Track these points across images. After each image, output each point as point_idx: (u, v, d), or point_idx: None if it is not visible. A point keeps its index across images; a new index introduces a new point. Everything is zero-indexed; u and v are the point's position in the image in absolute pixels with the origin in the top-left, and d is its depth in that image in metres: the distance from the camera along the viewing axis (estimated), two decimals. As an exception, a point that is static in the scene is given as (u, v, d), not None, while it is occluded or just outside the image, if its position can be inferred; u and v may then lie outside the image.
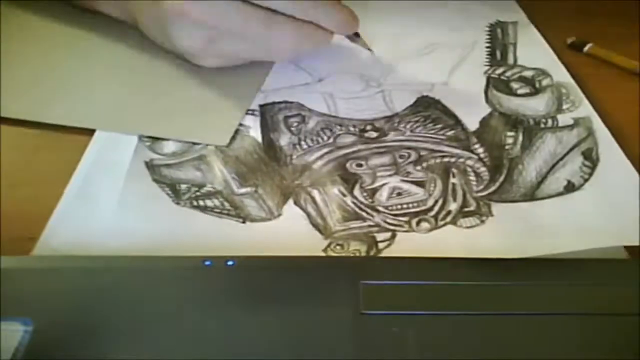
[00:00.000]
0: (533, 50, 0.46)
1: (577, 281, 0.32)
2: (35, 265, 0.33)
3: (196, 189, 0.38)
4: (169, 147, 0.40)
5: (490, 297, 0.31)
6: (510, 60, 0.46)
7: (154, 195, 0.37)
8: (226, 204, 0.37)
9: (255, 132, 0.42)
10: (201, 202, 0.37)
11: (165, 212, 0.36)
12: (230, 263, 0.32)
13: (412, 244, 0.35)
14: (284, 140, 0.41)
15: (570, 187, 0.37)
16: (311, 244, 0.35)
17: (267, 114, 0.43)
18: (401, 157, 0.39)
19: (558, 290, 0.31)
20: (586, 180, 0.37)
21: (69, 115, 0.41)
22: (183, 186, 0.38)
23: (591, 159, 0.38)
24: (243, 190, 0.38)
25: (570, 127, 0.40)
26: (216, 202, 0.37)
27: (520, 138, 0.40)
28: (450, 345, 0.29)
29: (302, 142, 0.41)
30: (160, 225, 0.36)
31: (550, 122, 0.41)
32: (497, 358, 0.28)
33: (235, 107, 0.43)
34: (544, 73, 0.45)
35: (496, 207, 0.36)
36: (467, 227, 0.36)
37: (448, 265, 0.33)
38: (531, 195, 0.37)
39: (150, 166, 0.39)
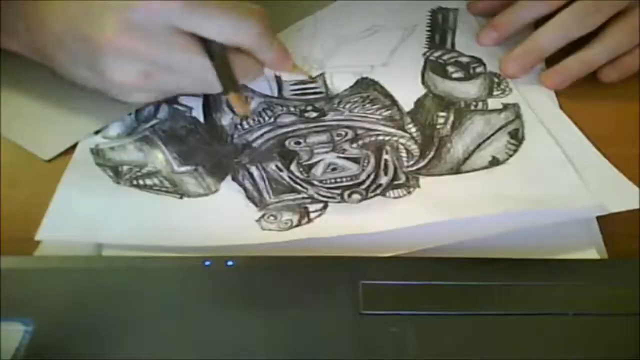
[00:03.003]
0: (471, 40, 0.51)
1: (575, 281, 0.34)
2: (35, 266, 0.35)
3: (137, 169, 0.42)
4: (114, 129, 0.45)
5: (490, 297, 0.33)
6: (448, 45, 0.51)
7: (95, 176, 0.42)
8: (165, 182, 0.42)
9: (197, 112, 0.46)
10: (140, 182, 0.42)
11: (104, 191, 0.41)
12: (230, 263, 0.35)
13: (342, 213, 0.40)
14: (226, 120, 0.46)
15: (494, 162, 0.42)
16: (245, 216, 0.40)
17: (210, 95, 0.47)
18: (338, 135, 0.44)
19: (557, 290, 0.34)
20: (510, 155, 0.42)
21: None
22: (125, 167, 0.42)
23: (517, 137, 0.43)
24: (183, 168, 0.42)
25: (499, 110, 0.45)
26: (155, 180, 0.42)
27: (451, 118, 0.45)
28: (450, 345, 0.31)
29: (244, 122, 0.45)
30: (100, 203, 0.40)
31: (480, 105, 0.46)
32: (496, 358, 0.31)
33: (77, 129, 0.45)
34: (479, 61, 0.49)
35: (423, 180, 0.41)
36: (395, 198, 0.40)
37: (447, 266, 0.35)
38: (457, 170, 0.42)
39: (95, 151, 0.44)
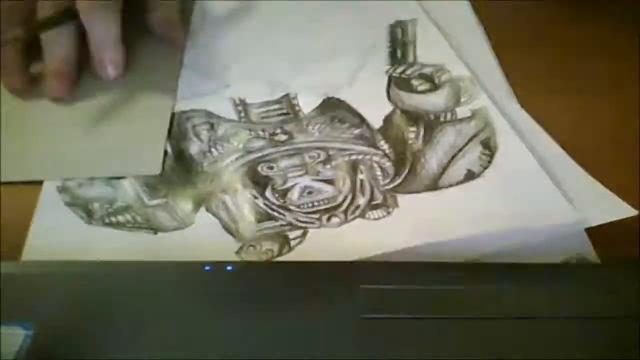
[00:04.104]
0: (432, 48, 0.52)
1: (574, 285, 0.35)
2: (35, 270, 0.35)
3: (108, 205, 0.42)
4: None
5: (489, 301, 0.34)
6: (410, 59, 0.51)
7: (66, 219, 0.41)
8: (138, 218, 0.41)
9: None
10: (113, 219, 0.41)
11: (78, 234, 0.40)
12: (229, 268, 0.35)
13: (323, 238, 0.40)
14: (194, 148, 0.45)
15: (470, 175, 0.43)
16: (224, 248, 0.39)
17: (175, 124, 0.47)
18: (310, 157, 0.44)
19: (557, 293, 0.34)
20: (485, 168, 0.43)
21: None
22: (95, 205, 0.42)
23: (489, 147, 0.44)
24: (154, 202, 0.42)
25: (468, 118, 0.46)
26: (128, 217, 0.41)
27: (422, 132, 0.45)
28: (449, 350, 0.32)
29: (213, 150, 0.45)
30: (74, 247, 0.40)
31: (449, 115, 0.47)
32: None
33: (155, 132, 0.46)
34: (442, 69, 0.50)
35: (401, 199, 0.42)
36: (375, 219, 0.41)
37: (447, 270, 0.36)
38: (434, 186, 0.42)
39: (63, 189, 0.43)
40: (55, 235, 0.40)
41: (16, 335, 0.31)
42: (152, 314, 0.33)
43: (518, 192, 0.42)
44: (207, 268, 0.35)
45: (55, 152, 0.45)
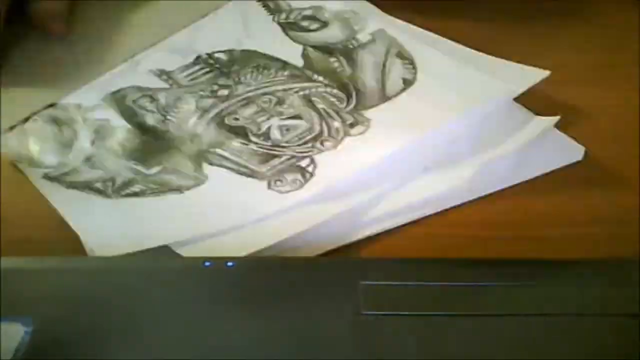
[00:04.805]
0: None
1: (575, 282, 0.35)
2: (35, 266, 0.34)
3: (110, 183, 0.40)
4: (49, 159, 0.42)
5: (491, 298, 0.34)
6: (285, 6, 0.55)
7: (80, 198, 0.38)
8: (151, 185, 0.40)
9: (118, 121, 0.44)
10: (128, 191, 0.39)
11: (102, 208, 0.38)
12: (230, 264, 0.34)
13: (330, 160, 0.42)
14: (151, 120, 0.44)
15: (407, 83, 0.48)
16: (253, 188, 0.40)
17: (115, 104, 0.45)
18: (264, 102, 0.45)
19: (557, 291, 0.35)
20: (415, 73, 0.48)
21: None
22: (98, 184, 0.40)
23: (405, 57, 0.49)
24: (153, 170, 0.41)
25: (372, 41, 0.51)
26: (140, 187, 0.40)
27: (343, 60, 0.49)
28: (450, 346, 0.32)
29: (168, 117, 0.44)
30: (105, 220, 0.38)
31: (354, 42, 0.51)
32: (496, 358, 0.31)
33: None
34: (320, 8, 0.54)
35: (367, 113, 0.45)
36: (360, 134, 0.44)
37: (448, 266, 0.36)
38: (385, 98, 0.47)
39: (50, 179, 0.40)
40: (89, 214, 0.38)
41: (16, 332, 0.30)
42: (152, 309, 0.32)
43: (452, 86, 0.47)
44: (206, 264, 0.34)
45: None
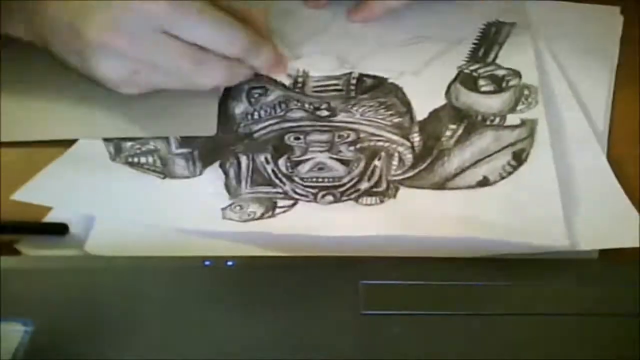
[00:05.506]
0: (516, 51, 0.49)
1: (576, 282, 0.35)
2: (35, 266, 0.36)
3: (138, 146, 0.45)
4: None
5: (489, 298, 0.34)
6: (490, 58, 0.49)
7: (94, 153, 0.45)
8: (158, 162, 0.45)
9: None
10: (136, 159, 0.45)
11: (98, 168, 0.44)
12: (229, 263, 0.36)
13: (307, 213, 0.41)
14: (239, 109, 0.48)
15: (483, 182, 0.41)
16: (214, 201, 0.42)
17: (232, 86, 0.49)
18: (339, 137, 0.45)
19: (558, 291, 0.34)
20: (503, 177, 0.41)
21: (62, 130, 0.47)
22: (128, 143, 0.46)
23: (519, 159, 0.42)
24: (180, 150, 0.45)
25: (514, 126, 0.44)
26: (150, 159, 0.45)
27: (460, 132, 0.44)
28: (450, 346, 0.32)
29: (255, 113, 0.47)
30: (88, 179, 0.44)
31: (497, 120, 0.44)
32: (496, 358, 0.31)
33: (208, 95, 0.48)
34: (514, 73, 0.48)
35: (403, 191, 0.42)
36: (366, 205, 0.41)
37: (448, 266, 0.36)
38: (442, 185, 0.41)
39: None
40: (77, 164, 0.45)
41: (16, 331, 0.32)
42: (151, 308, 0.34)
43: (521, 208, 0.40)
44: (206, 263, 0.36)
45: (110, 112, 0.47)
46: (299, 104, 0.48)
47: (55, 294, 0.34)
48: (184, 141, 0.46)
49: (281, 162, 0.44)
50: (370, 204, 0.41)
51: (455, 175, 0.42)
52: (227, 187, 0.43)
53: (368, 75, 0.50)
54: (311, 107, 0.48)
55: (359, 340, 0.32)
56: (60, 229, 0.39)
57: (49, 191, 0.42)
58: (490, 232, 0.38)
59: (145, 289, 0.35)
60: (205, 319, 0.33)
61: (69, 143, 0.45)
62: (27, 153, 0.45)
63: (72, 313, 0.33)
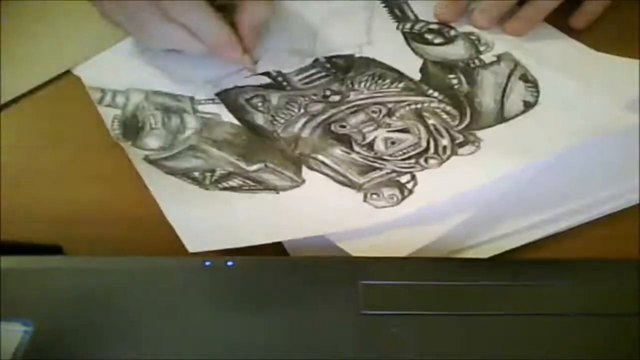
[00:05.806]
0: (428, 8, 0.55)
1: (577, 282, 0.35)
2: (35, 266, 0.35)
3: (210, 174, 0.41)
4: (152, 142, 0.44)
5: (490, 298, 0.34)
6: (411, 16, 0.54)
7: (176, 185, 0.40)
8: (248, 182, 0.40)
9: (227, 117, 0.45)
10: (225, 184, 0.40)
11: (198, 198, 0.39)
12: (230, 263, 0.35)
13: (432, 178, 0.41)
14: (259, 119, 0.45)
15: (528, 104, 0.46)
16: (348, 198, 0.40)
17: (227, 101, 0.46)
18: (373, 112, 0.45)
19: (558, 290, 0.35)
20: (537, 96, 0.46)
21: None
22: (196, 174, 0.41)
23: (529, 80, 0.48)
24: (254, 167, 0.42)
25: (496, 62, 0.49)
26: (237, 181, 0.41)
27: (462, 78, 0.48)
28: (450, 346, 0.32)
29: (277, 118, 0.45)
30: (199, 212, 0.39)
31: (477, 62, 0.50)
32: (496, 358, 0.32)
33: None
34: (447, 25, 0.53)
35: (480, 134, 0.44)
36: (469, 154, 0.43)
37: (448, 266, 0.36)
38: (502, 119, 0.45)
39: (150, 161, 0.41)
40: (185, 203, 0.39)
41: (16, 331, 0.31)
42: (152, 309, 0.33)
43: (575, 111, 0.45)
44: (207, 263, 0.35)
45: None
46: (306, 99, 0.47)
47: (55, 294, 0.33)
48: (246, 159, 0.43)
49: (357, 149, 0.43)
50: (472, 152, 0.43)
51: (500, 108, 0.46)
52: (343, 183, 0.41)
53: (337, 56, 0.50)
54: (319, 97, 0.47)
55: (358, 340, 0.32)
56: (54, 250, 0.38)
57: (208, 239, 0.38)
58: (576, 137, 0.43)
59: (146, 289, 0.34)
60: (205, 319, 0.32)
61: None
62: (27, 153, 0.45)
63: (72, 313, 0.32)
